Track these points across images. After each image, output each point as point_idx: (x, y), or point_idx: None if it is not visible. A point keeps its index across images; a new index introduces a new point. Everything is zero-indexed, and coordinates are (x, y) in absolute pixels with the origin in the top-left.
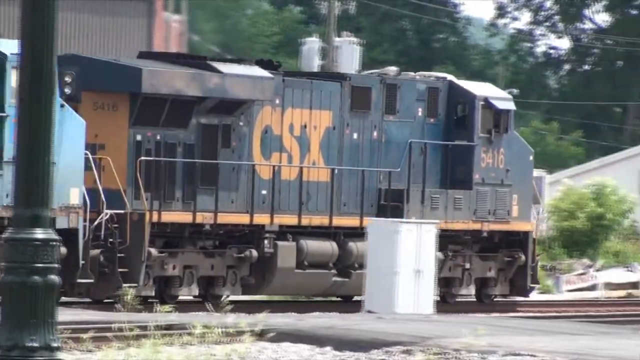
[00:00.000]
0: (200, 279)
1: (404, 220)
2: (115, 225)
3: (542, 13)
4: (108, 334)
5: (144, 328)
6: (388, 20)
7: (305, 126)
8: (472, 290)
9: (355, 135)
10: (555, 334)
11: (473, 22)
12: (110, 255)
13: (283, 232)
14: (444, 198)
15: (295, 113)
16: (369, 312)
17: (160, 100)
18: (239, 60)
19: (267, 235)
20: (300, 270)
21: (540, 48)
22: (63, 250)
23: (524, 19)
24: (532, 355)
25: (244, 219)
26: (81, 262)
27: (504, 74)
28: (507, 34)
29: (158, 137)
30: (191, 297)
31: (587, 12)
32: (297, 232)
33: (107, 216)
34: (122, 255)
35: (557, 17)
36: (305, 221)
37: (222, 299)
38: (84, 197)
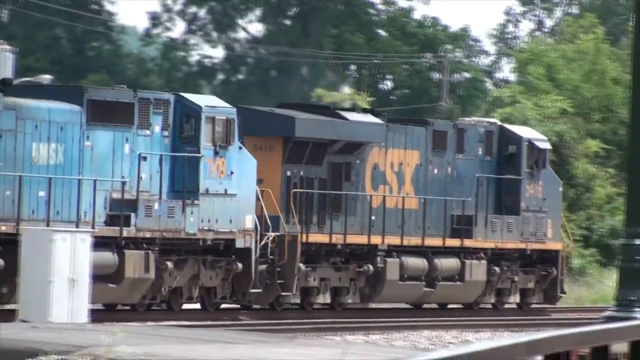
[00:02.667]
0: (331, 289)
1: (57, 228)
2: (274, 245)
3: (197, 22)
4: None
5: None
6: (42, 28)
7: (401, 163)
8: (517, 298)
9: (435, 171)
10: (213, 343)
11: (128, 30)
12: (271, 269)
13: (389, 251)
14: (500, 222)
15: (394, 153)
16: (23, 321)
17: (305, 143)
18: (352, 109)
19: (379, 253)
20: (402, 282)
21: (194, 57)
22: (239, 265)
23: (179, 28)
24: None
25: (363, 239)
26: (253, 274)
27: (158, 82)
28: (162, 42)
29: (301, 173)
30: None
31: (240, 22)
32: (398, 250)
33: (271, 237)
34: (279, 269)
35: (210, 27)
36: (405, 241)
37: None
38: (255, 223)
